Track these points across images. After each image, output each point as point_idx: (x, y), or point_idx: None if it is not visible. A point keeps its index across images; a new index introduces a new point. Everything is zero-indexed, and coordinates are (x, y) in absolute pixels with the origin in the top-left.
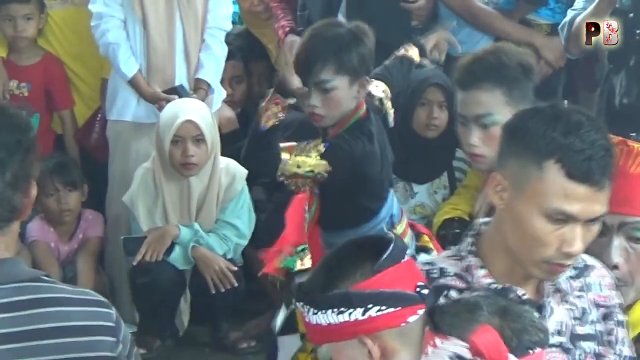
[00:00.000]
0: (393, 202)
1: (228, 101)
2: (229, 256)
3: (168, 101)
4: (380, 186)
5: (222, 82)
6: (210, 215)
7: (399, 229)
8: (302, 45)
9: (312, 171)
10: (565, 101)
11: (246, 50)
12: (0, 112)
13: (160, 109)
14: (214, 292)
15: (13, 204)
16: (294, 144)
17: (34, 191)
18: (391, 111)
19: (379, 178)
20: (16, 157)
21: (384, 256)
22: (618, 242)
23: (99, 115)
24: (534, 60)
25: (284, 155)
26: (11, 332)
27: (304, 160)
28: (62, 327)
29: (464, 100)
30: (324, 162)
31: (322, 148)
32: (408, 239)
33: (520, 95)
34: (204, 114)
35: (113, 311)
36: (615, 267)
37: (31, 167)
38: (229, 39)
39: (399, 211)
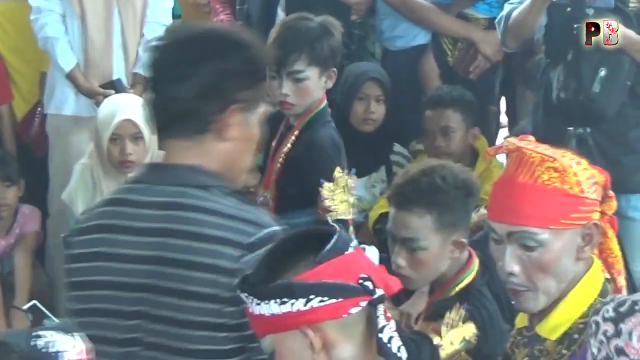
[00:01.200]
0: None
1: None
2: None
3: (105, 96)
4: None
5: None
6: None
7: None
8: (275, 36)
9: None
10: (503, 97)
11: None
12: (205, 34)
13: (98, 103)
14: None
15: (200, 115)
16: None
17: (235, 117)
18: None
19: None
20: (204, 70)
21: (327, 247)
22: (510, 250)
23: (39, 110)
24: (476, 180)
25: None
26: (156, 227)
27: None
28: (193, 232)
29: (395, 219)
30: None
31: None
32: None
33: (452, 221)
34: (141, 110)
35: (258, 232)
36: (511, 274)
37: (232, 90)
38: None
39: None
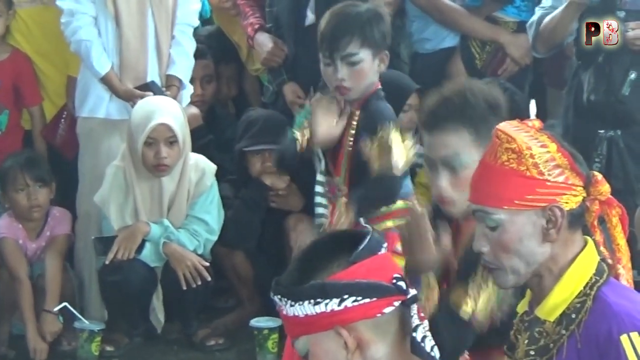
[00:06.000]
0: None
1: (198, 100)
2: (199, 252)
3: (142, 98)
4: None
5: (193, 81)
6: (181, 212)
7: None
8: (326, 23)
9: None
10: (533, 99)
11: (217, 51)
12: None
13: (134, 106)
14: (185, 287)
15: None
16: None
17: None
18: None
19: None
20: None
21: (360, 247)
22: (479, 229)
23: (64, 113)
24: (502, 95)
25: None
26: None
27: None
28: None
29: (430, 142)
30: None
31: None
32: None
33: (488, 134)
34: (176, 114)
35: None
36: (481, 252)
37: None
38: (200, 38)
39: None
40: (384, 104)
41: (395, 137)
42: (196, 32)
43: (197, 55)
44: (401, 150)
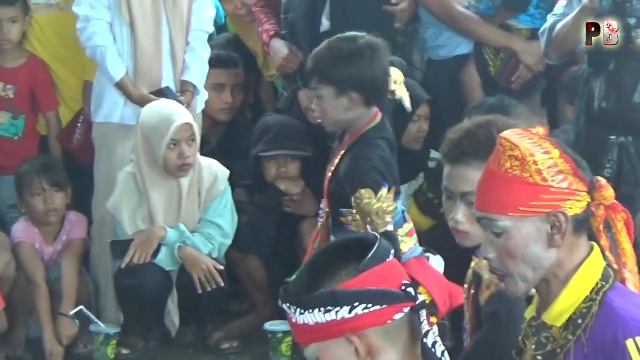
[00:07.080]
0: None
1: (227, 108)
2: (213, 255)
3: None
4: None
5: (224, 88)
6: (193, 215)
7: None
8: (315, 50)
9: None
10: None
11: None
12: None
13: None
14: (200, 291)
15: None
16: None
17: None
18: (406, 96)
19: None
20: None
21: (369, 255)
22: (486, 236)
23: (81, 118)
24: None
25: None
26: None
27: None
28: None
29: (451, 174)
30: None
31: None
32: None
33: None
34: (189, 113)
35: None
36: (488, 259)
37: None
38: (221, 45)
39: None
40: (366, 156)
41: (369, 198)
42: (214, 39)
43: (230, 63)
44: (378, 210)
